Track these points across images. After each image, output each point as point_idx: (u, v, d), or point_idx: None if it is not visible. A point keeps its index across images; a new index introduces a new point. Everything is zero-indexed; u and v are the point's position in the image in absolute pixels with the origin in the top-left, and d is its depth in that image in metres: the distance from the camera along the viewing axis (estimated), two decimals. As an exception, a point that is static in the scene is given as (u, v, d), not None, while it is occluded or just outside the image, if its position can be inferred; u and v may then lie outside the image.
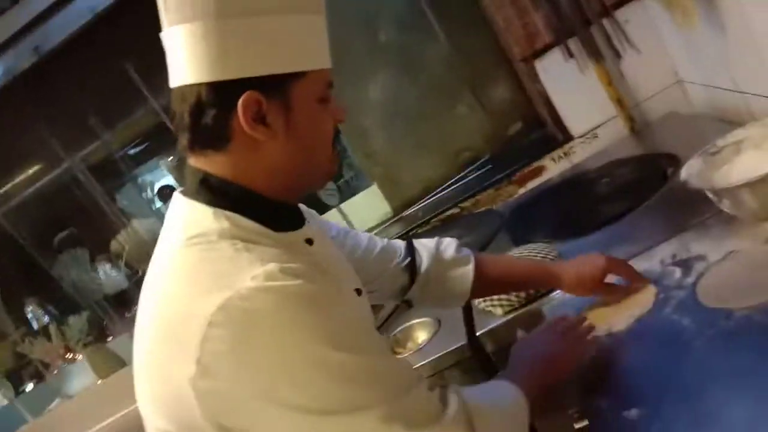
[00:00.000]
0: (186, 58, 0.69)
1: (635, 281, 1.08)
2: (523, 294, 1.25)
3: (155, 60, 0.77)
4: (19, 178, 2.36)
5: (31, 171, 2.42)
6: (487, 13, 1.99)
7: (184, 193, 0.75)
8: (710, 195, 1.10)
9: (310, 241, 0.78)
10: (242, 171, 0.73)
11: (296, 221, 0.79)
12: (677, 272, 1.07)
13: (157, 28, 0.73)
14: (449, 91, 2.16)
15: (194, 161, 0.75)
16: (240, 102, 0.68)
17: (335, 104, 0.78)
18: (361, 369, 0.66)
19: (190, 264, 0.69)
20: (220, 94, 0.69)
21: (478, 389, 0.84)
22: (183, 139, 0.74)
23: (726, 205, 1.08)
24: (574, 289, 1.10)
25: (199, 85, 0.69)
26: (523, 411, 0.82)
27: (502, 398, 0.82)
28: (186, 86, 0.70)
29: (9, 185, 2.38)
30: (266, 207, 0.74)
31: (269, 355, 0.62)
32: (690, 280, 1.03)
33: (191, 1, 0.67)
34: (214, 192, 0.72)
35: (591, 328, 1.02)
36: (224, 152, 0.72)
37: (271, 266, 0.65)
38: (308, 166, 0.76)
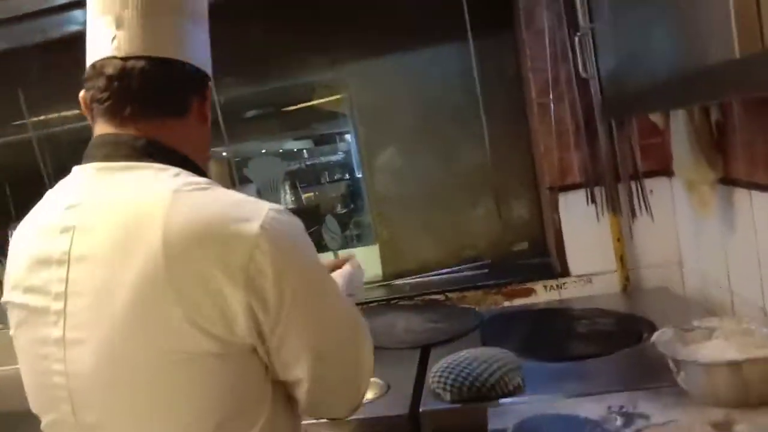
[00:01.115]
0: (178, 40, 0.82)
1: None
2: (474, 389, 1.30)
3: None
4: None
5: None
6: (533, 136, 2.15)
7: (118, 158, 0.79)
8: (671, 365, 1.17)
9: None
10: (187, 140, 0.85)
11: None
12: (619, 421, 1.13)
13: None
14: (474, 190, 2.29)
15: (134, 129, 0.81)
16: (209, 85, 0.88)
17: None
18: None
19: (204, 202, 0.75)
20: (199, 74, 0.86)
21: None
22: (136, 102, 0.81)
23: (682, 379, 1.15)
24: None
25: (185, 63, 0.83)
26: None
27: None
28: (170, 59, 0.82)
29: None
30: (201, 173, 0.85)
31: (304, 256, 0.79)
32: (627, 431, 1.09)
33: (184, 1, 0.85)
34: (166, 154, 0.81)
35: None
36: (181, 121, 0.85)
37: (272, 204, 0.78)
38: (208, 153, 0.94)
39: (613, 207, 1.90)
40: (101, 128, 0.83)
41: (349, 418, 1.01)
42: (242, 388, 0.77)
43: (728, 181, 1.48)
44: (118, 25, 0.80)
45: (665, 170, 1.89)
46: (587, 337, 1.65)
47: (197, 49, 0.85)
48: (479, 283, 2.11)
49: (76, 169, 0.84)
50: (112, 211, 0.76)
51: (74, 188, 0.81)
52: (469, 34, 2.17)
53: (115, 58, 0.80)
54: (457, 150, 2.31)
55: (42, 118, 2.56)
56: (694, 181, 1.60)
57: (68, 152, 2.51)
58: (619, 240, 1.96)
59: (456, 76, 2.27)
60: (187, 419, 0.74)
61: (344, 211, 5.81)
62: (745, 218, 1.44)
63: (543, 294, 2.05)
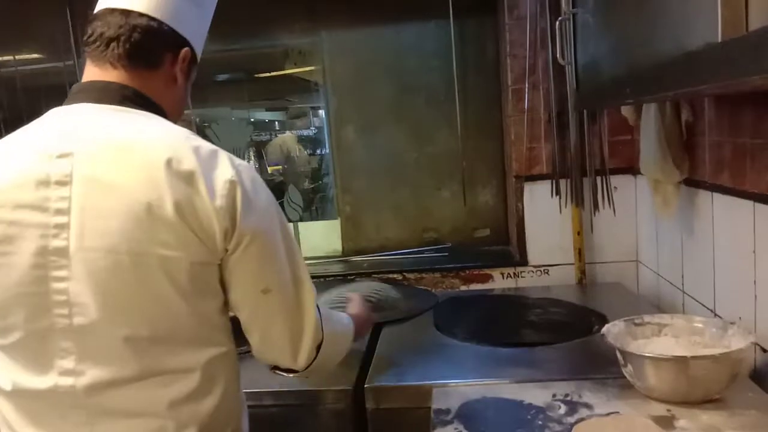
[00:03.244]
0: (167, 5, 0.95)
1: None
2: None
3: None
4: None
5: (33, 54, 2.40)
6: (505, 123, 2.13)
7: (108, 101, 0.91)
8: (619, 357, 1.17)
9: None
10: (160, 93, 0.96)
11: None
12: (562, 408, 1.12)
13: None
14: (442, 173, 2.27)
15: (119, 77, 0.93)
16: (183, 51, 0.98)
17: None
18: None
19: (198, 146, 0.88)
20: (172, 33, 0.96)
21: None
22: (119, 49, 0.93)
23: (628, 372, 1.15)
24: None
25: (161, 21, 0.94)
26: (350, 335, 1.18)
27: (341, 323, 1.16)
28: (147, 15, 0.93)
29: None
30: None
31: (267, 200, 0.94)
32: (570, 420, 1.08)
33: None
34: (148, 104, 0.94)
35: None
36: (153, 72, 0.96)
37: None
38: (180, 112, 1.04)
39: (577, 200, 1.90)
40: (90, 73, 0.95)
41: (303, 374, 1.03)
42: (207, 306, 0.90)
43: (692, 182, 1.48)
44: None
45: (631, 168, 1.90)
46: (539, 325, 1.65)
47: (183, 19, 0.97)
48: (438, 266, 2.09)
49: (61, 109, 0.92)
50: (111, 142, 0.87)
51: (69, 120, 0.90)
52: (451, 15, 2.12)
53: (115, 10, 0.94)
54: (428, 131, 2.27)
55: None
56: (659, 180, 1.60)
57: (24, 97, 2.38)
58: (579, 234, 1.96)
59: (435, 57, 2.23)
60: (166, 321, 0.87)
61: (312, 186, 5.74)
62: (704, 221, 1.45)
63: (500, 281, 2.05)
